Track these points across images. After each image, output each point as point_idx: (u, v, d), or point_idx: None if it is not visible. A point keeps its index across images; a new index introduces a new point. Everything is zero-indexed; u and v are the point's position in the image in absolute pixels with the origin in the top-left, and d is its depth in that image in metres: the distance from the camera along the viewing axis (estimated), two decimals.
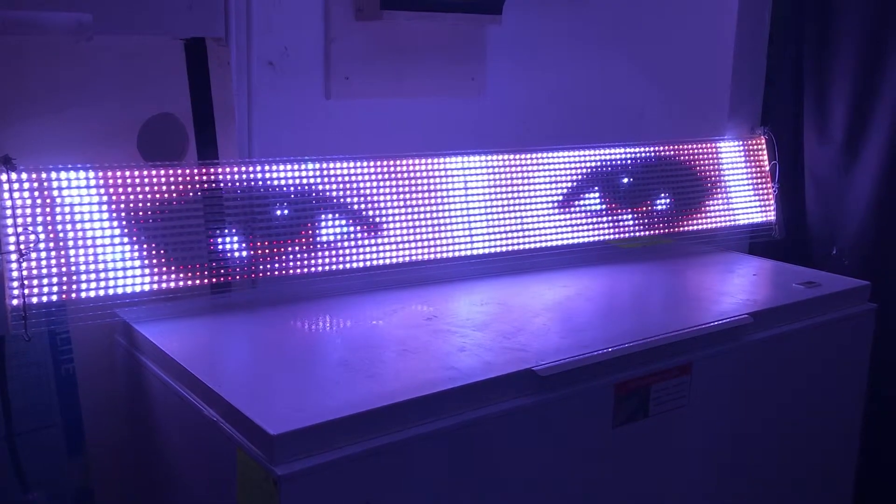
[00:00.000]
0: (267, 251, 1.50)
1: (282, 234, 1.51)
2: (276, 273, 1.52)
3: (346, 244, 1.57)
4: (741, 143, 2.08)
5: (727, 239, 2.06)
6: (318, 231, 1.55)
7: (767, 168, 2.10)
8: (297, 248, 1.53)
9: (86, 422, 1.47)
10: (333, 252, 1.56)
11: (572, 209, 1.82)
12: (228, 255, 1.47)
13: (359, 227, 1.58)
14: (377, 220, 1.60)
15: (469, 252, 1.71)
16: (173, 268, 1.42)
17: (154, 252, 1.41)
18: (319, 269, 1.55)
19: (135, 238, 1.39)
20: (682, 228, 1.97)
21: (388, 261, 1.62)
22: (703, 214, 2.00)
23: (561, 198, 1.81)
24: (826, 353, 1.70)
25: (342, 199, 1.57)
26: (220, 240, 1.46)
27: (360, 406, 1.13)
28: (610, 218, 1.87)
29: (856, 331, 1.75)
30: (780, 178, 2.10)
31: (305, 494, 1.07)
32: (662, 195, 1.94)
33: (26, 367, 1.41)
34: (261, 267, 1.50)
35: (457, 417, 1.20)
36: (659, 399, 1.41)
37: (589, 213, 1.84)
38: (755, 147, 2.10)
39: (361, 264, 1.59)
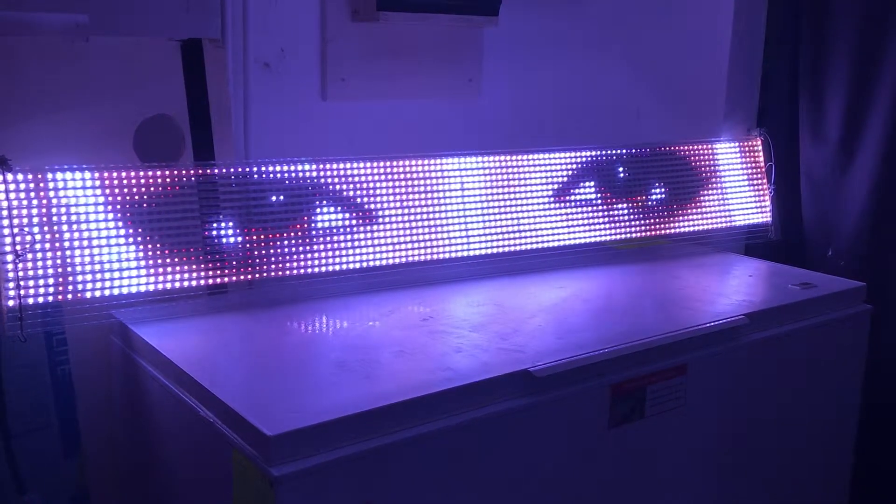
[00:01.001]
0: (263, 241, 1.49)
1: (278, 225, 1.50)
2: (273, 274, 1.52)
3: (342, 244, 1.57)
4: (737, 144, 2.08)
5: (723, 240, 2.07)
6: (314, 225, 1.54)
7: (763, 169, 2.10)
8: (293, 248, 1.52)
9: (82, 423, 1.47)
10: (330, 253, 1.56)
11: (567, 203, 1.82)
12: (224, 245, 1.46)
13: (355, 226, 1.58)
14: (373, 221, 1.60)
15: (466, 253, 1.71)
16: (168, 259, 1.41)
17: (149, 244, 1.40)
18: (316, 269, 1.55)
19: (130, 230, 1.38)
20: (678, 229, 1.98)
21: (384, 262, 1.62)
22: (700, 215, 2.00)
23: (556, 188, 1.81)
24: (822, 353, 1.70)
25: (339, 203, 1.57)
26: (215, 231, 1.45)
27: (357, 407, 1.13)
28: (606, 218, 1.87)
29: (851, 332, 1.75)
30: (776, 179, 2.11)
31: (301, 495, 1.07)
32: (659, 198, 1.94)
33: (22, 368, 1.40)
34: (257, 261, 1.49)
35: (453, 418, 1.20)
36: (655, 400, 1.41)
37: (585, 214, 1.84)
38: (751, 148, 2.10)
39: (358, 265, 1.59)
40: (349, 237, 1.57)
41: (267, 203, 1.50)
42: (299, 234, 1.53)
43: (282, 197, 1.51)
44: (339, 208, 1.57)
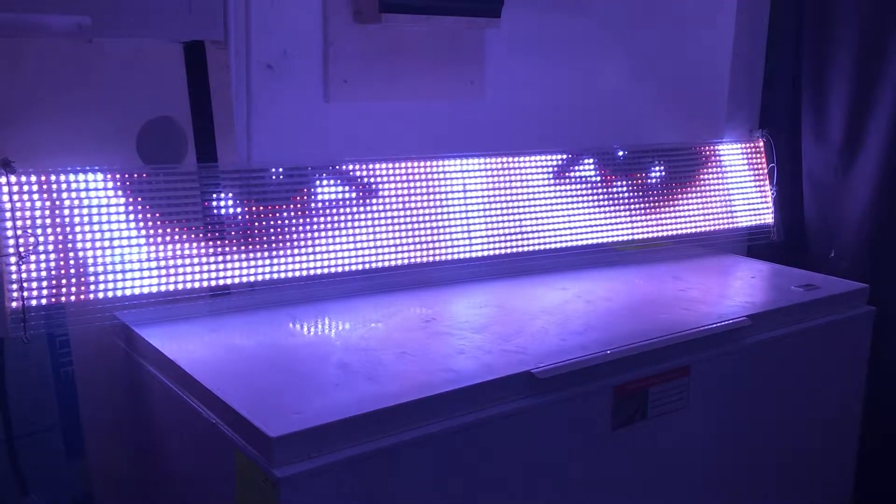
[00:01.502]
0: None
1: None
2: (275, 275, 1.52)
3: (345, 245, 1.57)
4: (739, 145, 2.08)
5: (725, 241, 2.06)
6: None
7: (766, 170, 2.10)
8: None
9: (84, 424, 1.47)
10: (332, 254, 1.56)
11: (568, 204, 1.82)
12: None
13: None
14: (375, 225, 1.60)
15: (468, 254, 1.71)
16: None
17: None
18: (317, 271, 1.55)
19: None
20: (680, 231, 1.98)
21: (386, 263, 1.62)
22: (702, 216, 2.00)
23: (557, 188, 1.81)
24: (824, 355, 1.70)
25: (342, 203, 1.57)
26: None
27: (359, 408, 1.13)
28: (608, 220, 1.87)
29: (854, 333, 1.75)
30: (778, 180, 2.11)
31: (305, 497, 1.07)
32: (661, 199, 1.94)
33: (25, 370, 1.41)
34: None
35: (456, 420, 1.20)
36: (657, 401, 1.41)
37: (587, 215, 1.84)
38: (753, 150, 2.10)
39: (360, 266, 1.59)
40: (351, 238, 1.58)
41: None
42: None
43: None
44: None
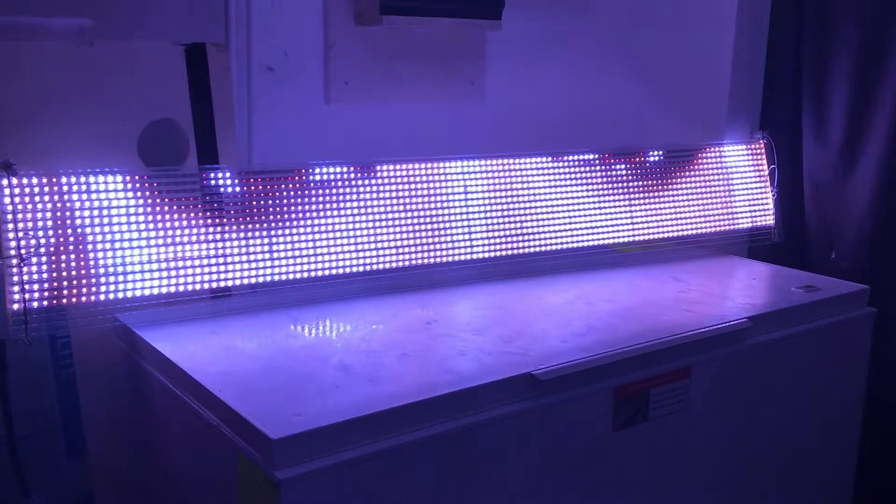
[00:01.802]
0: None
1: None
2: (276, 277, 1.52)
3: (346, 247, 1.57)
4: (740, 146, 2.08)
5: (726, 242, 2.06)
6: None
7: (766, 172, 2.11)
8: (296, 251, 1.53)
9: (86, 425, 1.47)
10: (333, 255, 1.56)
11: (569, 206, 1.82)
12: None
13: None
14: (376, 227, 1.60)
15: (469, 256, 1.71)
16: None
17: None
18: (319, 273, 1.56)
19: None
20: (681, 232, 1.98)
21: (387, 265, 1.62)
22: (703, 218, 2.00)
23: (558, 193, 1.81)
24: (825, 356, 1.70)
25: (343, 204, 1.57)
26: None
27: (361, 410, 1.13)
28: (609, 221, 1.87)
29: (855, 334, 1.75)
30: (779, 181, 2.11)
31: (306, 498, 1.07)
32: (662, 200, 1.94)
33: (27, 372, 1.41)
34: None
35: (457, 421, 1.20)
36: (658, 403, 1.41)
37: (588, 217, 1.84)
38: (754, 151, 2.10)
39: (361, 268, 1.59)
40: (352, 239, 1.58)
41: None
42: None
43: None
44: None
